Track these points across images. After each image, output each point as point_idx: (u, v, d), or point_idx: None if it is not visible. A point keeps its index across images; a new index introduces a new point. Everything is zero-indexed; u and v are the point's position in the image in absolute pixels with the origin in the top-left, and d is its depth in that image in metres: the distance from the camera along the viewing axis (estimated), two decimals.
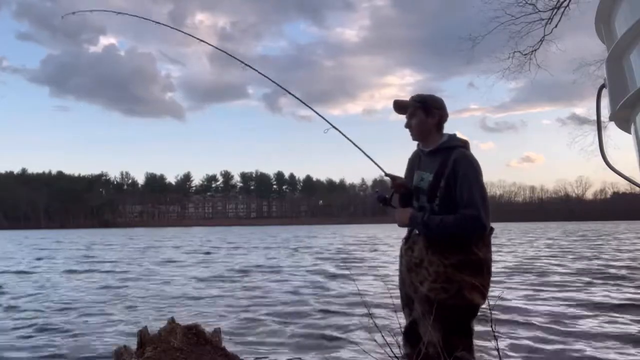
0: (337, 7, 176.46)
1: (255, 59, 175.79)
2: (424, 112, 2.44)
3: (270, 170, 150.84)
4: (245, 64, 2.96)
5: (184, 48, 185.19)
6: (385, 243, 21.20)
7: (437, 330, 2.17)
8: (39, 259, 14.98)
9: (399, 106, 2.52)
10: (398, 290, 2.57)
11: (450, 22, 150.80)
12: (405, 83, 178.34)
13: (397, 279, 2.59)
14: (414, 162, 2.56)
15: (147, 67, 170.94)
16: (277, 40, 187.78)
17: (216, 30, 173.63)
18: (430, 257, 2.28)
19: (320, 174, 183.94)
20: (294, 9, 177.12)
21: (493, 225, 2.32)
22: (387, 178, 2.59)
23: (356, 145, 2.63)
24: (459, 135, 2.50)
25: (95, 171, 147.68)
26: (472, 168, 2.28)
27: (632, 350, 3.75)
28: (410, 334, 2.43)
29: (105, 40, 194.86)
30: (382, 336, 2.23)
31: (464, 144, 2.42)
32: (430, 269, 2.27)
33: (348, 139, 2.63)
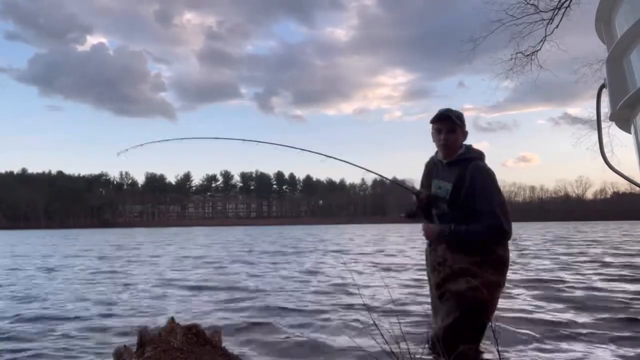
0: (325, 6, 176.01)
1: (245, 58, 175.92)
2: (461, 131, 2.64)
3: (270, 170, 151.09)
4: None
5: (174, 47, 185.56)
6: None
7: (450, 316, 2.30)
8: None
9: (449, 119, 2.63)
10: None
11: (437, 21, 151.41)
12: (397, 83, 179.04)
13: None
14: (431, 171, 2.74)
15: (137, 67, 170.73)
16: (267, 39, 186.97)
17: (203, 29, 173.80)
18: (452, 256, 2.48)
19: (320, 174, 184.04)
20: (282, 8, 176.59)
21: None
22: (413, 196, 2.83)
23: (384, 176, 2.88)
24: (475, 146, 2.70)
25: (95, 171, 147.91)
26: (489, 179, 2.49)
27: None
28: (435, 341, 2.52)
29: (93, 39, 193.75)
30: (384, 339, 2.24)
31: (480, 156, 2.61)
32: (454, 266, 2.46)
33: (378, 173, 2.85)
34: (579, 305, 4.71)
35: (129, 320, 4.43)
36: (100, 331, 4.03)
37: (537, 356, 2.93)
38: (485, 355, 2.66)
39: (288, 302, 5.29)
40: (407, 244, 18.13)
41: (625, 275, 7.22)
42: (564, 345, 3.20)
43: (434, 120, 2.67)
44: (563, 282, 6.55)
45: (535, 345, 3.18)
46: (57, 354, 3.38)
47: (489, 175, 2.51)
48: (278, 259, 11.76)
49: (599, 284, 6.28)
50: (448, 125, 2.59)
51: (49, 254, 15.55)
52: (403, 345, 2.10)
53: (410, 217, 2.83)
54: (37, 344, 3.66)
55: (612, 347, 3.18)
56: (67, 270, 9.79)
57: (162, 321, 3.24)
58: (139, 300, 5.72)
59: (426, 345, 2.62)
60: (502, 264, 2.46)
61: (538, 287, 6.03)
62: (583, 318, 4.12)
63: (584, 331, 3.59)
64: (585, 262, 9.61)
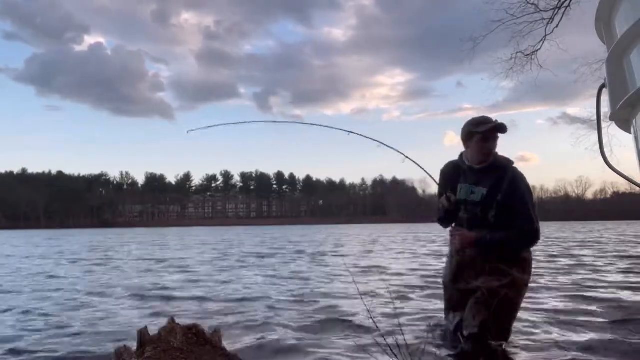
0: (323, 6, 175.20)
1: (243, 58, 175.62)
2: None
3: (270, 170, 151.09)
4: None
5: (172, 47, 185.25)
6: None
7: (483, 313, 2.38)
8: None
9: (498, 130, 2.74)
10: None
11: (436, 20, 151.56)
12: (396, 82, 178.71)
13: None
14: (454, 176, 2.82)
15: (135, 67, 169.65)
16: (265, 39, 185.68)
17: (201, 28, 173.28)
18: (481, 256, 2.61)
19: (320, 174, 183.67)
20: (281, 8, 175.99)
21: None
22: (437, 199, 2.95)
23: (426, 172, 2.91)
24: (500, 153, 2.80)
25: (95, 171, 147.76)
26: (528, 187, 2.68)
27: None
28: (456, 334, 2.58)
29: (91, 39, 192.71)
30: (385, 339, 2.24)
31: (511, 163, 2.73)
32: (485, 265, 2.58)
33: (421, 167, 2.85)
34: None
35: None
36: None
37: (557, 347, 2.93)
38: (513, 350, 2.67)
39: (283, 304, 5.29)
40: (400, 245, 18.15)
41: None
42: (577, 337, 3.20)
43: (489, 130, 2.69)
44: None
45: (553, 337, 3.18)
46: None
47: (527, 183, 2.71)
48: (274, 260, 11.75)
49: None
50: (494, 135, 2.72)
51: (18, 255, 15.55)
52: (402, 345, 2.10)
53: (441, 220, 2.88)
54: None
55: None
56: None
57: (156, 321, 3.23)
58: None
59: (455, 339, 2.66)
60: (527, 264, 2.62)
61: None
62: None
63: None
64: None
